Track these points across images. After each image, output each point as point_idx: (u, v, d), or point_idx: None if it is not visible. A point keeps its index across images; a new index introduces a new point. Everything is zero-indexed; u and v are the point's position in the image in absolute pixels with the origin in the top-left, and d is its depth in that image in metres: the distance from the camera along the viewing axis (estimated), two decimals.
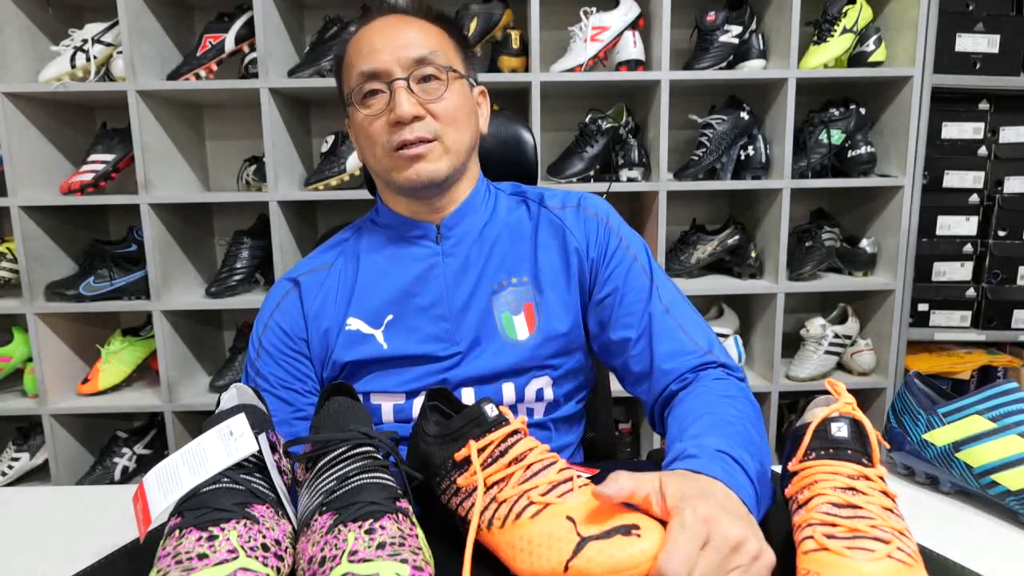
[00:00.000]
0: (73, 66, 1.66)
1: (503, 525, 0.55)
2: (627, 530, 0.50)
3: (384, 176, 0.84)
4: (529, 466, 0.58)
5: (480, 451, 0.58)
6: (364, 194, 1.73)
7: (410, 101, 0.78)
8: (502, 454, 0.58)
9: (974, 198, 1.84)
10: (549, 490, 0.56)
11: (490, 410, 0.60)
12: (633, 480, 0.52)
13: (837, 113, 1.81)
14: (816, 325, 1.86)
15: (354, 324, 0.85)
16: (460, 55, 0.86)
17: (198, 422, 1.87)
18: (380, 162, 0.82)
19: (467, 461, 0.59)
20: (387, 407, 0.85)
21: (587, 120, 1.82)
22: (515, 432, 0.60)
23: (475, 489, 0.57)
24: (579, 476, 0.58)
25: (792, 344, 1.96)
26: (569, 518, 0.53)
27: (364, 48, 0.81)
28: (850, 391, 0.61)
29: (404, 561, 0.48)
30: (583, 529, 0.51)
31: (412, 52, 0.79)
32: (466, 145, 0.84)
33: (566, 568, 0.50)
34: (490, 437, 0.59)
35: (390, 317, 0.85)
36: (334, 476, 0.55)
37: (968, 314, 1.88)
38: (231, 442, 0.56)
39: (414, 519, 0.55)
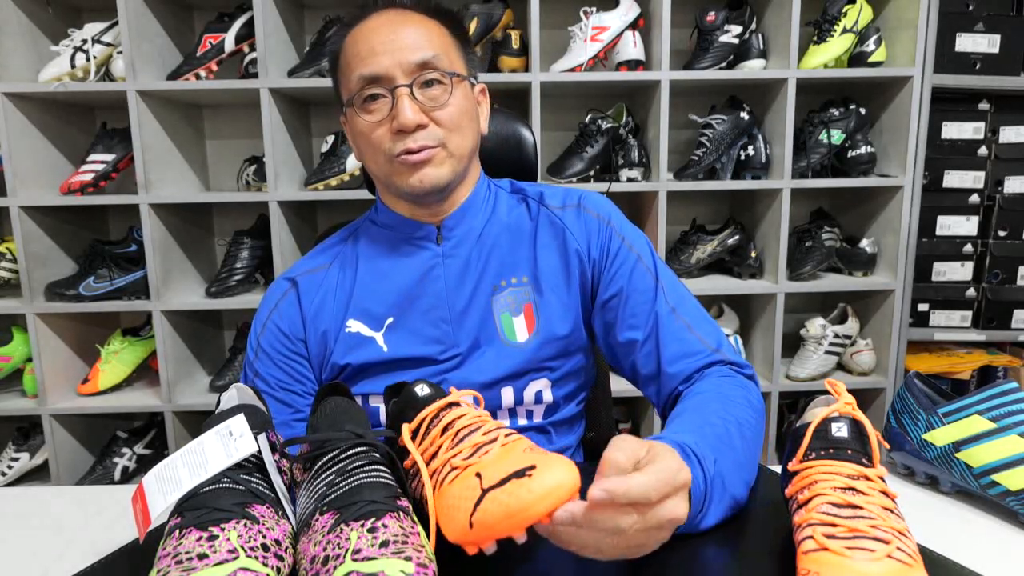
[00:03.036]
0: (73, 66, 1.66)
1: (434, 495, 0.55)
2: (521, 473, 0.50)
3: (385, 181, 0.82)
4: (456, 433, 0.57)
5: (415, 432, 0.58)
6: (364, 194, 1.73)
7: (413, 109, 0.76)
8: (432, 428, 0.58)
9: (974, 198, 1.84)
10: (472, 453, 0.55)
11: (420, 389, 0.60)
12: (626, 456, 0.53)
13: (837, 113, 1.81)
14: (816, 325, 1.86)
15: (354, 326, 0.84)
16: (461, 54, 0.84)
17: (198, 422, 1.87)
18: (382, 168, 0.81)
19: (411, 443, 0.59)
20: (385, 409, 0.84)
21: (587, 120, 1.82)
22: (450, 405, 0.59)
23: (413, 467, 0.58)
24: (509, 433, 0.57)
25: (792, 344, 1.96)
26: (477, 474, 0.52)
27: (363, 50, 0.78)
28: (850, 391, 0.61)
29: (408, 559, 0.47)
30: (486, 481, 0.51)
31: (414, 55, 0.77)
32: (468, 149, 0.83)
33: (471, 524, 0.50)
34: (420, 415, 0.59)
35: (391, 320, 0.84)
36: (333, 476, 0.55)
37: (968, 314, 1.88)
38: (231, 442, 0.56)
39: (415, 517, 0.55)
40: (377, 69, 0.77)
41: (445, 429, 0.58)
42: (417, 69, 0.77)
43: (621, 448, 0.52)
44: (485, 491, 0.50)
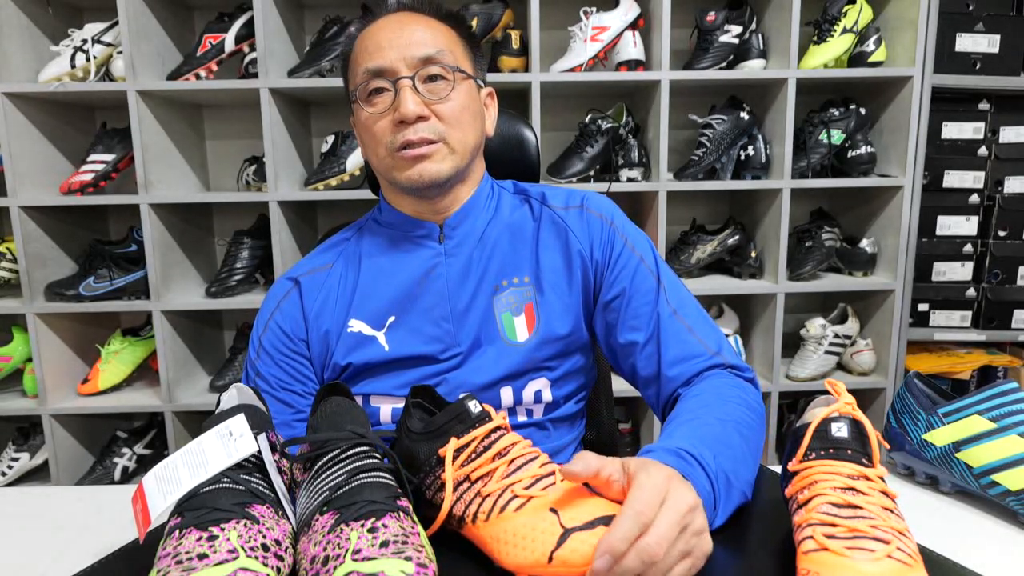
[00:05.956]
0: (73, 66, 1.66)
1: (488, 519, 0.56)
2: (607, 520, 0.51)
3: (386, 175, 0.83)
4: (512, 460, 0.58)
5: (462, 448, 0.59)
6: (364, 194, 1.73)
7: (415, 101, 0.77)
8: (486, 449, 0.59)
9: (974, 198, 1.84)
10: (532, 483, 0.56)
11: (473, 406, 0.61)
12: (599, 459, 0.54)
13: (837, 113, 1.81)
14: (816, 325, 1.86)
15: (356, 326, 0.84)
16: (468, 55, 0.85)
17: (198, 422, 1.87)
18: (383, 161, 0.82)
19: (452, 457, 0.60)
20: (386, 409, 0.84)
21: (587, 120, 1.82)
22: (498, 428, 0.60)
23: (460, 483, 0.58)
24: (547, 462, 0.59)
25: (792, 344, 1.96)
26: (552, 510, 0.54)
27: (370, 45, 0.80)
28: (850, 391, 0.61)
29: (408, 559, 0.48)
30: (566, 521, 0.52)
31: (419, 51, 0.78)
32: (470, 146, 0.83)
33: (550, 559, 0.51)
34: (473, 433, 0.59)
35: (392, 319, 0.84)
36: (334, 476, 0.55)
37: (968, 314, 1.88)
38: (231, 442, 0.56)
39: (415, 518, 0.55)
40: (382, 63, 0.78)
41: (499, 455, 0.59)
42: (420, 64, 0.79)
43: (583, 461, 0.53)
44: (568, 530, 0.51)
